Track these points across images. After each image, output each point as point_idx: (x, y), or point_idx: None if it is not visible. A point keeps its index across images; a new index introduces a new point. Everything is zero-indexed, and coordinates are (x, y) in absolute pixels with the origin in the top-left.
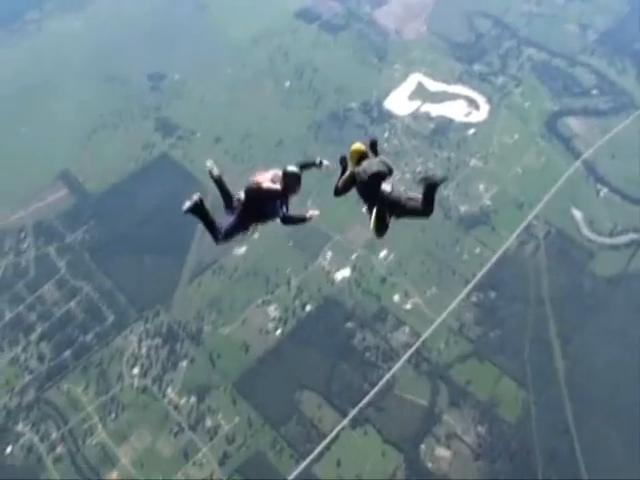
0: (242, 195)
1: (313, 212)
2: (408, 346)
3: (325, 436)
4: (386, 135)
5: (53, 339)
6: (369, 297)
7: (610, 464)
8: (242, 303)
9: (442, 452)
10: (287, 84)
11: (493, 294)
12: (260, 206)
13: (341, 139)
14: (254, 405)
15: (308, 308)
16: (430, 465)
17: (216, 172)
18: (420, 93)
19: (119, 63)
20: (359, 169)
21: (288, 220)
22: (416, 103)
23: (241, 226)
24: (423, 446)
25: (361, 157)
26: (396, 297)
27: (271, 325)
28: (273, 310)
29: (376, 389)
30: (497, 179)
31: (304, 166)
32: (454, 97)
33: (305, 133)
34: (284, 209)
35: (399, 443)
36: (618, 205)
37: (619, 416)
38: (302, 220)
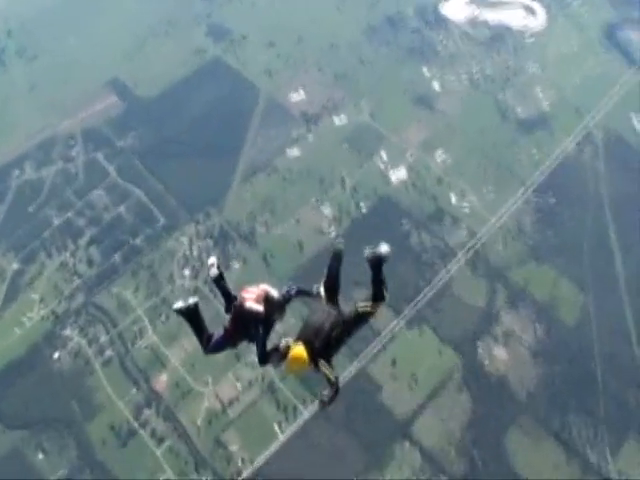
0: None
1: (287, 341)
2: (465, 246)
3: (380, 335)
4: (442, 40)
5: (102, 243)
6: (425, 197)
7: None
8: (296, 203)
9: (500, 352)
10: None
11: (551, 197)
12: (245, 325)
13: (396, 43)
14: (307, 304)
15: (363, 208)
16: (487, 365)
17: (214, 272)
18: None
19: None
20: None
21: (262, 361)
22: (473, 9)
23: (228, 341)
24: (480, 346)
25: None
26: (453, 198)
27: (325, 225)
28: (327, 210)
29: (434, 287)
30: (555, 85)
31: (300, 292)
32: (512, 5)
33: (359, 37)
34: (261, 343)
35: (456, 343)
36: None
37: None
38: (281, 358)
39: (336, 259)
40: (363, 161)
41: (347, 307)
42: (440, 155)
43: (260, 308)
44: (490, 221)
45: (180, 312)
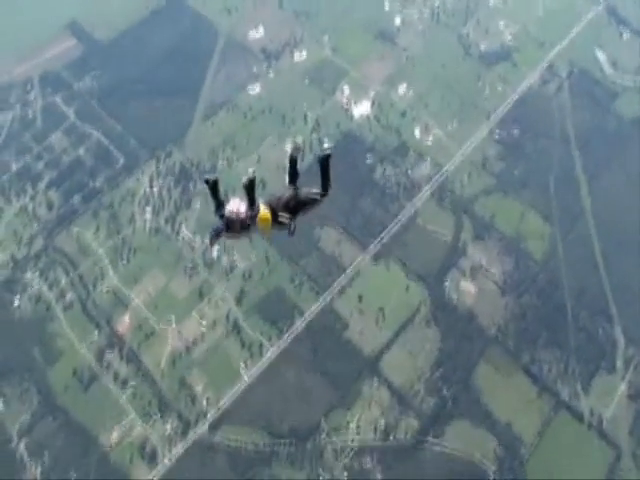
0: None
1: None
2: (430, 179)
3: (346, 270)
4: None
5: (62, 186)
6: (389, 132)
7: (638, 301)
8: (257, 140)
9: (467, 286)
10: None
11: (516, 130)
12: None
13: None
14: (271, 241)
15: (326, 143)
16: (455, 299)
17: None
18: None
19: None
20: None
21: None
22: None
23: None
24: (448, 280)
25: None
26: (417, 131)
27: (287, 161)
28: (289, 146)
29: (398, 221)
30: (518, 18)
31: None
32: None
33: None
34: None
35: (423, 277)
36: None
37: None
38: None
39: (293, 158)
40: (325, 97)
41: (303, 191)
42: (403, 89)
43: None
44: (455, 154)
45: (206, 182)
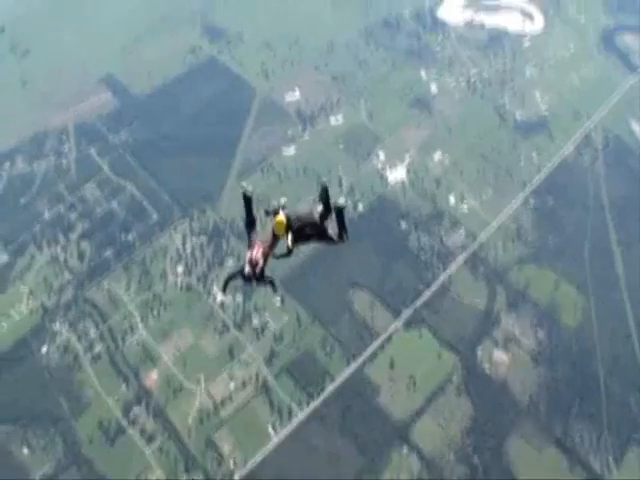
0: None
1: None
2: (464, 248)
3: (378, 336)
4: (440, 43)
5: (94, 238)
6: (424, 198)
7: None
8: (291, 202)
9: (500, 356)
10: None
11: (551, 200)
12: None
13: (393, 45)
14: (303, 303)
15: (361, 207)
16: (488, 369)
17: (249, 192)
18: (473, 3)
19: None
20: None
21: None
22: (470, 13)
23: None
24: (480, 349)
25: (287, 226)
26: (451, 199)
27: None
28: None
29: (432, 288)
30: (554, 88)
31: (270, 282)
32: (508, 8)
33: (356, 39)
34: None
35: (455, 345)
36: None
37: None
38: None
39: (324, 193)
40: (360, 161)
41: (328, 227)
42: (438, 157)
43: (256, 256)
44: (489, 223)
45: (244, 192)
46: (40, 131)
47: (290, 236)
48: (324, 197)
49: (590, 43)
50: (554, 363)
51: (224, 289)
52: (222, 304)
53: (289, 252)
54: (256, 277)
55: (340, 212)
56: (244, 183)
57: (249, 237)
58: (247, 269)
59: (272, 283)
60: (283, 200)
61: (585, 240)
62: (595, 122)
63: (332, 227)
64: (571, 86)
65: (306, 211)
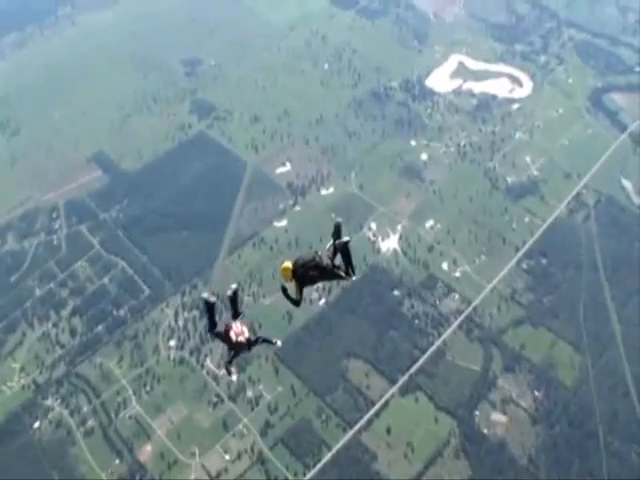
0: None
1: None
2: (458, 313)
3: (373, 404)
4: (429, 111)
5: (85, 314)
6: (416, 265)
7: None
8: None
9: (498, 417)
10: (326, 66)
11: (544, 261)
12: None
13: (382, 116)
14: (298, 374)
15: (353, 277)
16: (486, 431)
17: (212, 299)
18: (462, 72)
19: (153, 51)
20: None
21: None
22: (458, 81)
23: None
24: (477, 412)
25: (293, 272)
26: (444, 265)
27: (315, 294)
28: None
29: (427, 354)
30: (544, 151)
31: (264, 340)
32: (496, 75)
33: (345, 110)
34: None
35: (452, 409)
36: None
37: None
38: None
39: (337, 231)
40: (352, 231)
41: (331, 264)
42: (430, 224)
43: (240, 339)
44: (483, 286)
45: (205, 301)
46: (31, 209)
47: (295, 284)
48: (336, 235)
49: (579, 104)
50: (552, 422)
51: (229, 372)
52: (215, 378)
53: (298, 303)
54: (249, 342)
55: (346, 248)
56: (205, 294)
57: (218, 336)
58: (240, 339)
59: (265, 339)
60: (234, 286)
61: (580, 298)
62: (586, 181)
63: (340, 265)
64: (561, 147)
65: (309, 256)
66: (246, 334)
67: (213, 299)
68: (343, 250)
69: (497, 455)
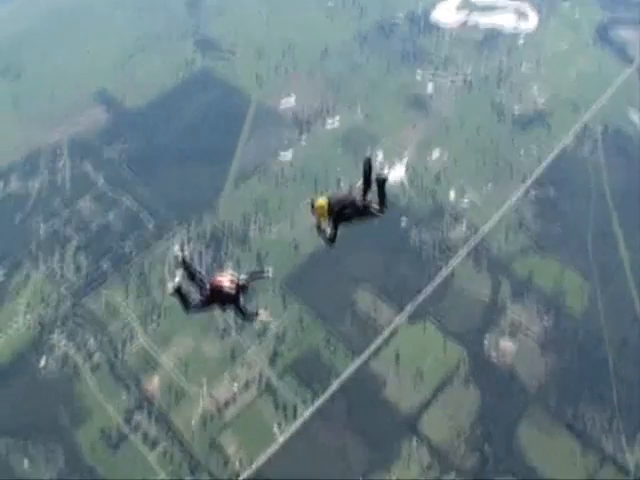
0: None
1: (265, 315)
2: (466, 241)
3: (382, 331)
4: (434, 44)
5: (90, 250)
6: (423, 195)
7: None
8: (290, 204)
9: (507, 344)
10: (330, 4)
11: (552, 190)
12: (220, 299)
13: (388, 49)
14: (305, 302)
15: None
16: (495, 358)
17: (180, 257)
18: (467, 5)
19: None
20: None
21: (245, 318)
22: (464, 14)
23: (205, 306)
24: (486, 339)
25: (329, 209)
26: (452, 194)
27: (322, 224)
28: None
29: (436, 281)
30: (550, 83)
31: (253, 275)
32: (502, 8)
33: (350, 44)
34: (239, 309)
35: (461, 336)
36: None
37: None
38: (252, 316)
39: (367, 165)
40: (358, 163)
41: (365, 201)
42: (437, 154)
43: (233, 291)
44: (491, 216)
45: (177, 290)
46: (34, 149)
47: (331, 222)
48: (367, 170)
49: (585, 37)
50: (562, 349)
51: (257, 315)
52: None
53: (333, 240)
54: (238, 287)
55: (382, 183)
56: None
57: (204, 304)
58: (227, 285)
59: (255, 273)
60: (177, 248)
61: (588, 227)
62: (593, 113)
63: (373, 200)
64: (568, 80)
65: (344, 193)
66: (228, 277)
67: (178, 283)
68: (380, 186)
69: (507, 382)
